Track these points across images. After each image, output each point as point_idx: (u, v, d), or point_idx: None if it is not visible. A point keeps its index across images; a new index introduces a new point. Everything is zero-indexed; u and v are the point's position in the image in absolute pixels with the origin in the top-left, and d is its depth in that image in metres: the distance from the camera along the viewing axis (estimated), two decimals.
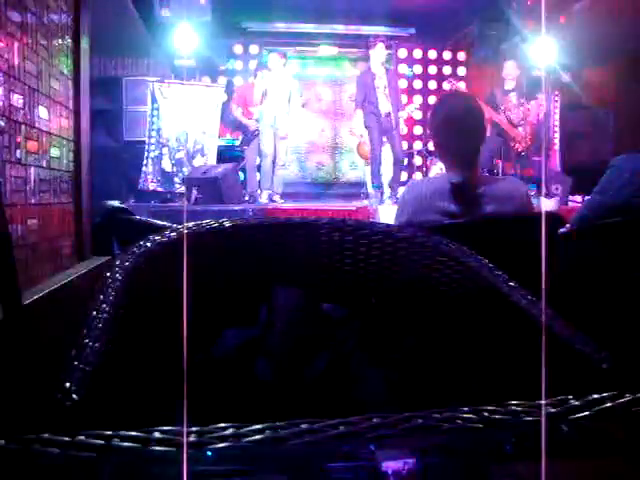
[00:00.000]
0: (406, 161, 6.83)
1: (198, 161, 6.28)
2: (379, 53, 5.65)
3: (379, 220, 4.76)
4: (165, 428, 0.43)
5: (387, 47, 6.00)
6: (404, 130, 6.59)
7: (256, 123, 6.04)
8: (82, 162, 2.81)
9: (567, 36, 5.56)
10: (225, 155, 6.46)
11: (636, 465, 0.51)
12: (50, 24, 2.43)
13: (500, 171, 6.37)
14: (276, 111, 5.83)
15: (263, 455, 0.45)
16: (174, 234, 1.04)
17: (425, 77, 8.34)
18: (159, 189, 6.20)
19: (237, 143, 6.62)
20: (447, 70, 8.34)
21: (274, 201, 5.87)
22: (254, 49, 7.98)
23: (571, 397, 0.49)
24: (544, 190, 5.46)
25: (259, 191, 6.08)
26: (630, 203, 1.73)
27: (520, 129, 5.78)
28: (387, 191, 5.84)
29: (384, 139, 5.71)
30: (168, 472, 0.46)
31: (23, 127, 2.10)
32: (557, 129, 6.81)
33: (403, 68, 8.23)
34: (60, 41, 2.59)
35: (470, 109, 1.73)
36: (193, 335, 0.80)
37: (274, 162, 5.92)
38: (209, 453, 0.42)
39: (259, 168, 6.12)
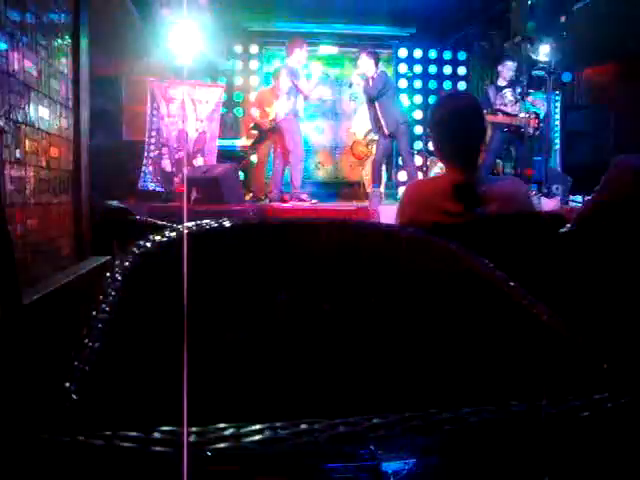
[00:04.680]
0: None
1: (198, 161, 6.27)
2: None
3: (379, 220, 4.76)
4: (165, 428, 0.43)
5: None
6: None
7: (270, 123, 6.12)
8: (81, 162, 2.81)
9: (567, 36, 5.56)
10: (225, 155, 6.47)
11: (635, 464, 0.51)
12: (50, 23, 2.42)
13: (500, 171, 6.36)
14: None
15: (263, 455, 0.45)
16: (174, 234, 1.04)
17: (425, 77, 8.32)
18: (159, 189, 6.19)
19: (249, 143, 6.63)
20: (447, 70, 8.32)
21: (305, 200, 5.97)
22: (254, 49, 7.97)
23: (571, 397, 0.49)
24: (544, 190, 5.46)
25: (296, 190, 6.07)
26: (630, 203, 1.73)
27: (521, 115, 5.73)
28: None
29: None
30: (168, 472, 0.46)
31: (23, 127, 2.09)
32: (557, 129, 6.81)
33: (403, 68, 8.22)
34: (60, 41, 2.58)
35: (470, 109, 1.73)
36: (193, 335, 0.80)
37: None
38: (209, 453, 0.42)
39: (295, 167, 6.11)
